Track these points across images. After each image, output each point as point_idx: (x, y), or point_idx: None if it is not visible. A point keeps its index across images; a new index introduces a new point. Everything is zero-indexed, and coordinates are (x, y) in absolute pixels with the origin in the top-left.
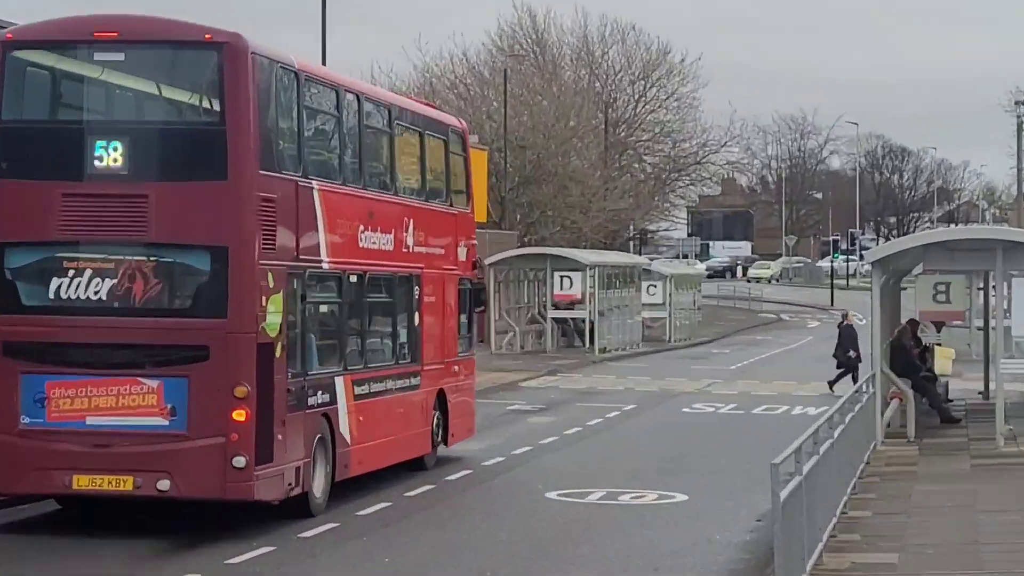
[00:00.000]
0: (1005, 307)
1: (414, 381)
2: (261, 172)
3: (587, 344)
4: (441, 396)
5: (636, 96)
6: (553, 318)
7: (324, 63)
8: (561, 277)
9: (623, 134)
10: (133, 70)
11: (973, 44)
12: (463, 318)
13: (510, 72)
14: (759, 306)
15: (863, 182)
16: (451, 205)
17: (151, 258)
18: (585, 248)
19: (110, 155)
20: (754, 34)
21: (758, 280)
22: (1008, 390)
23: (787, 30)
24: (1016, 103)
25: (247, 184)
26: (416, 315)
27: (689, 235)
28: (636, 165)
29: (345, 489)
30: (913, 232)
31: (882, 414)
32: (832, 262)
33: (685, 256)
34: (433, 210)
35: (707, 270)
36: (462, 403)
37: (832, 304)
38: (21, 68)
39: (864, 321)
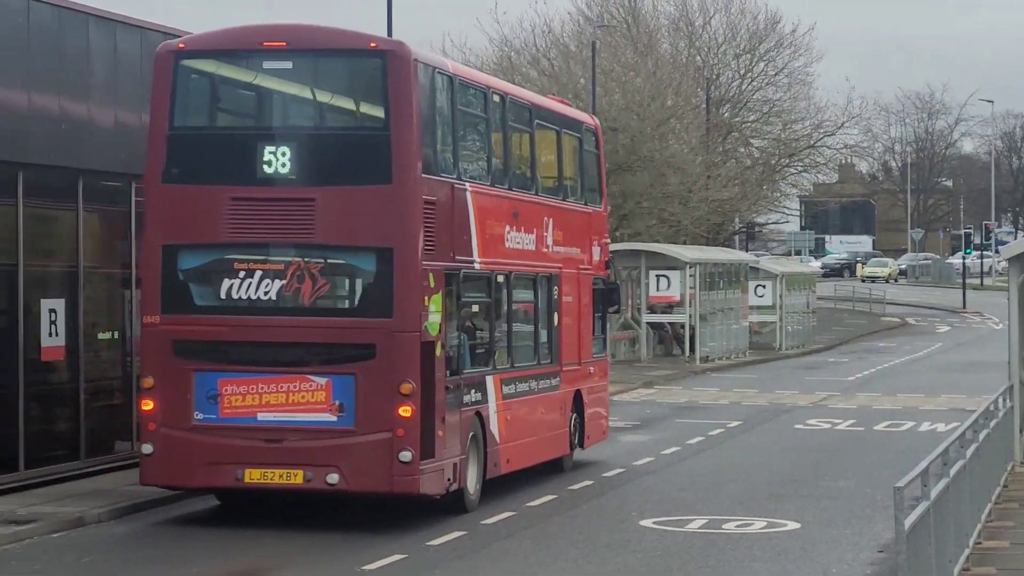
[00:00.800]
0: None
1: (554, 382)
2: (423, 176)
3: (687, 352)
4: (578, 397)
5: (742, 71)
6: (648, 323)
7: (390, 34)
8: (657, 276)
9: (727, 114)
10: (300, 78)
11: None
12: (597, 318)
13: (599, 45)
14: (881, 309)
15: (999, 168)
16: (586, 203)
17: (318, 259)
18: (685, 243)
19: (278, 160)
20: (872, 2)
21: (874, 280)
22: None
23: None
24: None
25: (411, 188)
26: (555, 315)
27: (802, 228)
28: (742, 149)
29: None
30: None
31: (1021, 431)
32: (964, 259)
33: (798, 252)
34: (570, 209)
35: (821, 268)
36: (597, 405)
37: (964, 306)
38: (192, 77)
39: (1001, 326)
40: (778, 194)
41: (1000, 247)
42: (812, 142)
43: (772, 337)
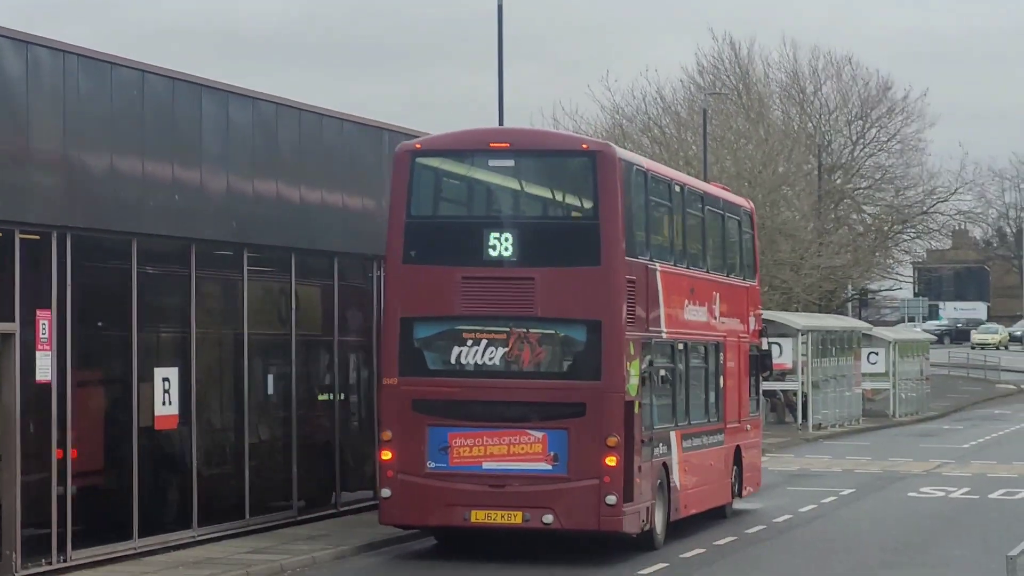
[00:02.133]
0: None
1: (720, 437)
2: (625, 258)
3: (799, 420)
4: (737, 451)
5: (853, 138)
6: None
7: (501, 106)
8: (770, 343)
9: (839, 181)
10: (521, 174)
11: None
12: (752, 381)
13: (710, 112)
14: (996, 376)
15: None
16: (744, 279)
17: (537, 330)
18: (797, 310)
19: (502, 244)
20: (984, 67)
21: (983, 347)
22: None
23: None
24: None
25: (617, 269)
26: (721, 378)
27: (915, 295)
28: (854, 216)
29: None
30: None
31: None
32: None
33: (911, 319)
34: (732, 284)
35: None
36: (752, 459)
37: None
38: (427, 172)
39: None
40: (891, 261)
41: None
42: (925, 208)
43: (885, 404)
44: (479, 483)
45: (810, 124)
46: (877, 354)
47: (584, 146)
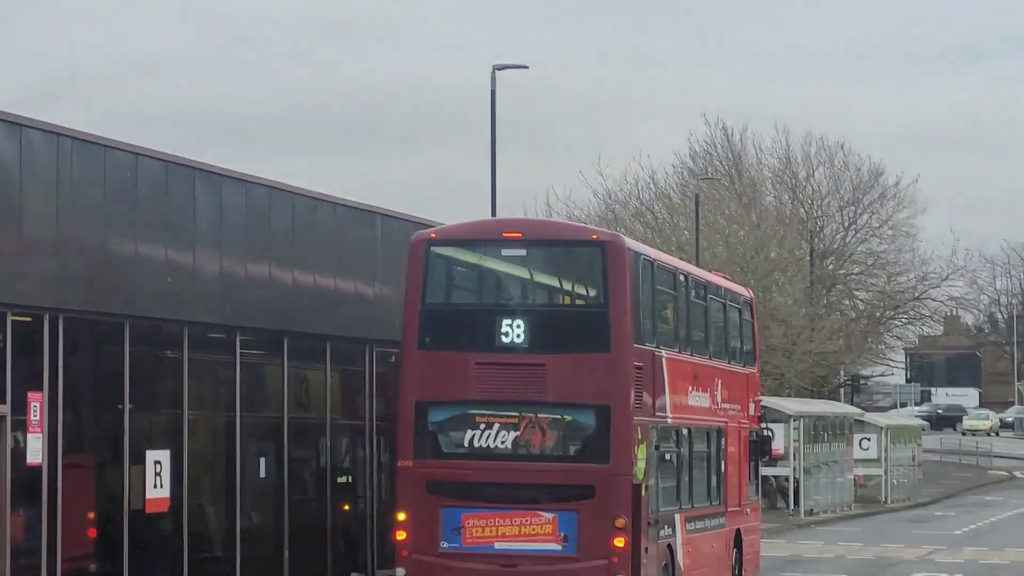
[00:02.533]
0: None
1: (721, 520)
2: (633, 345)
3: (791, 505)
4: (738, 535)
5: (846, 223)
6: None
7: (495, 190)
8: (770, 428)
9: (831, 267)
10: (532, 263)
11: None
12: (752, 466)
13: (703, 197)
14: (988, 462)
15: None
16: (743, 365)
17: (547, 414)
18: (789, 396)
19: (514, 331)
20: (976, 154)
21: (974, 432)
22: None
23: (1016, 150)
24: None
25: (625, 355)
26: (722, 462)
27: (908, 381)
28: (846, 302)
29: None
30: None
31: None
32: None
33: (903, 405)
34: (733, 371)
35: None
36: (752, 542)
37: None
38: (442, 261)
39: None
40: (883, 346)
41: None
42: (917, 294)
43: (877, 490)
44: (491, 562)
45: (802, 209)
46: (869, 439)
47: (594, 236)
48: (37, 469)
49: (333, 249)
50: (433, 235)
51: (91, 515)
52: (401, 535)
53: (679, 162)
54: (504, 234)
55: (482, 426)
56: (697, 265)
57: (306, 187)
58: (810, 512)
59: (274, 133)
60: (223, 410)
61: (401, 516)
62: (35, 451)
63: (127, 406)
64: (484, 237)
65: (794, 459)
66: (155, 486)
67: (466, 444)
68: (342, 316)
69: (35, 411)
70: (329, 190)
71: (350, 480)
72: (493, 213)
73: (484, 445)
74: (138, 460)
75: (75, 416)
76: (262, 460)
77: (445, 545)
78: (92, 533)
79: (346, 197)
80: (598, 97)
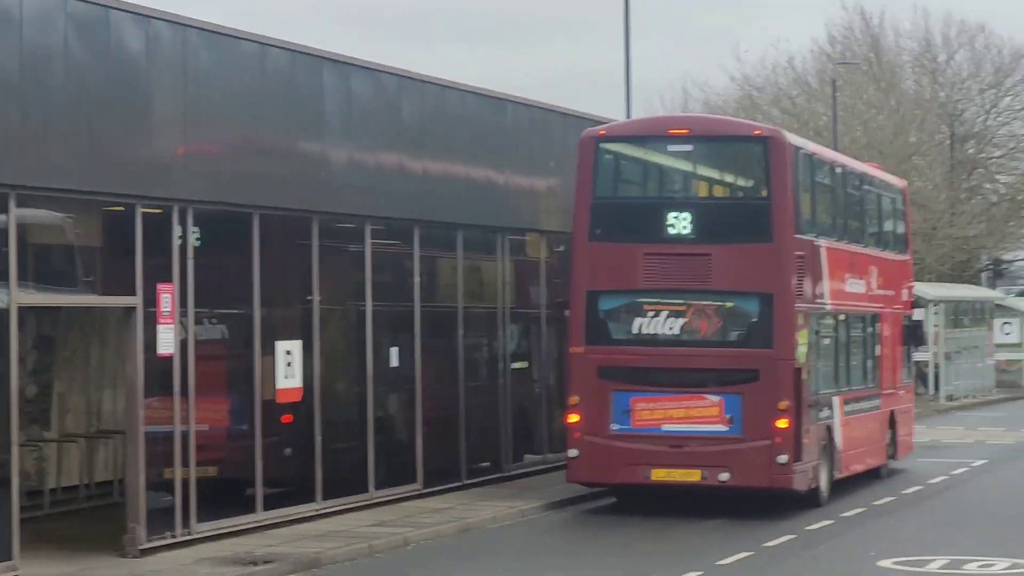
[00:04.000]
0: None
1: (876, 403)
2: (795, 236)
3: (931, 390)
4: (892, 416)
5: (987, 107)
6: None
7: (628, 81)
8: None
9: (972, 150)
10: (698, 158)
11: None
12: (905, 351)
13: (841, 83)
14: None
15: None
16: (897, 253)
17: (713, 302)
18: (929, 281)
19: (681, 223)
20: None
21: None
22: None
23: None
24: None
25: (787, 245)
26: (877, 347)
27: None
28: (988, 185)
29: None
30: None
31: None
32: None
33: None
34: (887, 258)
35: None
36: (906, 423)
37: None
38: (611, 157)
39: None
40: None
41: None
42: None
43: (1019, 375)
44: (660, 443)
45: (942, 93)
46: (1011, 324)
47: (757, 132)
48: (168, 360)
49: (464, 137)
50: (602, 132)
51: (223, 405)
52: (573, 418)
53: (817, 48)
54: (670, 131)
55: (650, 314)
56: (835, 149)
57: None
58: (950, 397)
59: (397, 23)
60: (354, 299)
61: (573, 400)
62: (166, 342)
63: (256, 297)
64: (651, 133)
65: (934, 344)
66: (286, 376)
67: (635, 331)
68: (473, 204)
69: (166, 303)
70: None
71: (526, 365)
72: (628, 104)
73: (652, 332)
74: (268, 351)
75: (205, 307)
76: (393, 350)
77: (615, 427)
78: (224, 423)
79: (475, 84)
80: None
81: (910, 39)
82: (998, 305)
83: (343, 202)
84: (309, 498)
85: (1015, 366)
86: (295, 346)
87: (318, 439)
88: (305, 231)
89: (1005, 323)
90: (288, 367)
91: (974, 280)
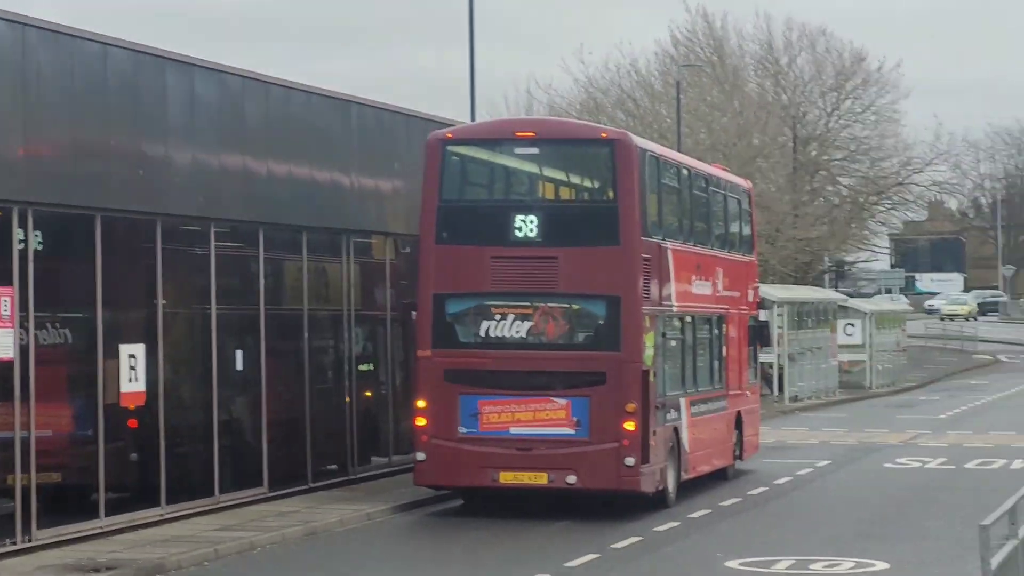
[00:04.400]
0: None
1: (723, 404)
2: (642, 238)
3: (775, 392)
4: (739, 417)
5: (828, 109)
6: None
7: (473, 82)
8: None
9: (814, 153)
10: (544, 161)
11: None
12: (751, 351)
13: (685, 85)
14: (972, 346)
15: None
16: (743, 254)
17: (560, 305)
18: (772, 283)
19: (528, 227)
20: (962, 38)
21: (952, 318)
22: None
23: (1000, 34)
24: None
25: (634, 248)
26: (724, 348)
27: (892, 266)
28: (830, 188)
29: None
30: None
31: None
32: None
33: (888, 291)
34: (733, 260)
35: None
36: (752, 423)
37: None
38: (457, 160)
39: None
40: (867, 232)
41: None
42: (900, 179)
43: (862, 376)
44: (507, 447)
45: (784, 96)
46: (854, 326)
47: (604, 135)
48: (8, 364)
49: (308, 139)
50: (449, 135)
51: (64, 410)
52: (421, 421)
53: (660, 50)
54: (517, 133)
55: (497, 317)
56: (680, 152)
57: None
58: (794, 398)
59: (242, 26)
60: (199, 302)
61: (421, 403)
62: (5, 346)
63: (100, 299)
64: (498, 136)
65: (778, 346)
66: (130, 380)
67: (482, 334)
68: (318, 206)
69: (5, 306)
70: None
71: (372, 366)
72: (472, 105)
73: (499, 335)
74: (112, 354)
75: (47, 310)
76: (238, 352)
77: (463, 430)
78: (66, 428)
79: (320, 86)
80: None
81: (753, 42)
82: (841, 306)
83: (187, 204)
84: (154, 503)
85: (858, 367)
86: (139, 350)
87: (162, 443)
88: (149, 233)
89: (848, 324)
90: (132, 371)
91: (817, 281)
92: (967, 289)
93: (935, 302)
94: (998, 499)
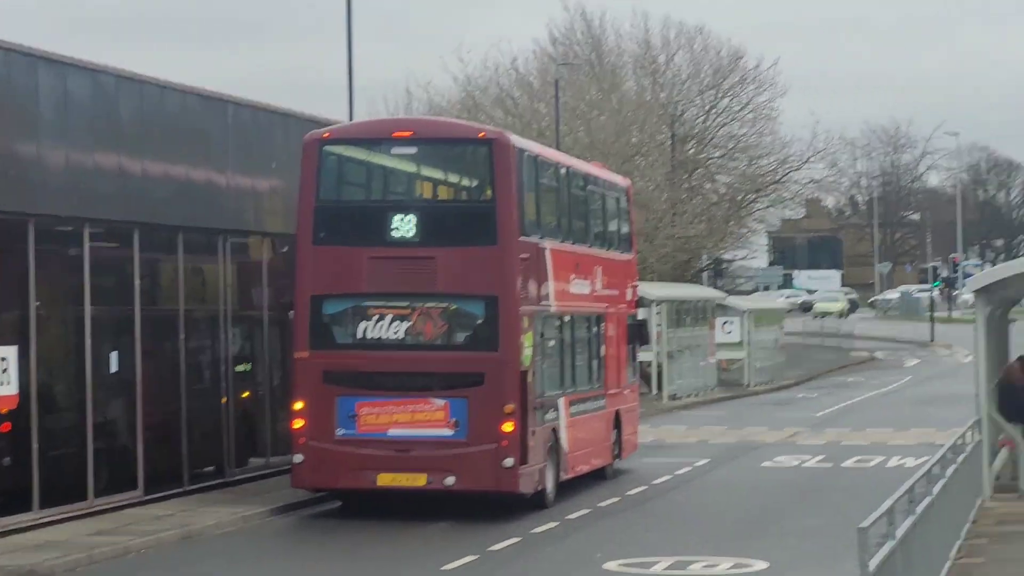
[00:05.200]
0: None
1: (602, 403)
2: (519, 238)
3: (654, 390)
4: (617, 416)
5: (706, 107)
6: None
7: (351, 81)
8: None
9: (692, 151)
10: (422, 160)
11: None
12: (630, 350)
13: (564, 83)
14: (850, 343)
15: (966, 200)
16: (622, 252)
17: (438, 305)
18: (651, 280)
19: (405, 226)
20: (838, 37)
21: (824, 315)
22: None
23: (877, 31)
24: None
25: (512, 248)
26: (602, 347)
27: (770, 264)
28: (708, 186)
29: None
30: None
31: (990, 465)
32: (931, 293)
33: (766, 288)
34: (612, 258)
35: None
36: (631, 423)
37: (932, 339)
38: (334, 159)
39: (969, 358)
40: (745, 230)
41: (967, 280)
42: (778, 177)
43: (740, 374)
44: (386, 448)
45: (663, 94)
46: (732, 323)
47: (481, 134)
48: None
49: (184, 138)
50: (326, 135)
51: None
52: (298, 423)
53: (539, 49)
54: (394, 133)
55: (375, 318)
56: (559, 150)
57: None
58: (673, 396)
59: (119, 24)
60: (73, 303)
61: (298, 405)
62: None
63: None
64: (375, 136)
65: (657, 344)
66: (0, 383)
67: (360, 335)
68: (194, 206)
69: None
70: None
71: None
72: (350, 105)
73: (377, 336)
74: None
75: None
76: (114, 355)
77: (341, 432)
78: None
79: (195, 85)
80: None
81: (631, 40)
82: (719, 305)
83: (60, 204)
84: (26, 508)
85: (736, 365)
86: (10, 352)
87: (35, 447)
88: (21, 234)
89: (726, 322)
90: (4, 373)
91: (695, 279)
92: (844, 286)
93: (801, 299)
94: (876, 497)
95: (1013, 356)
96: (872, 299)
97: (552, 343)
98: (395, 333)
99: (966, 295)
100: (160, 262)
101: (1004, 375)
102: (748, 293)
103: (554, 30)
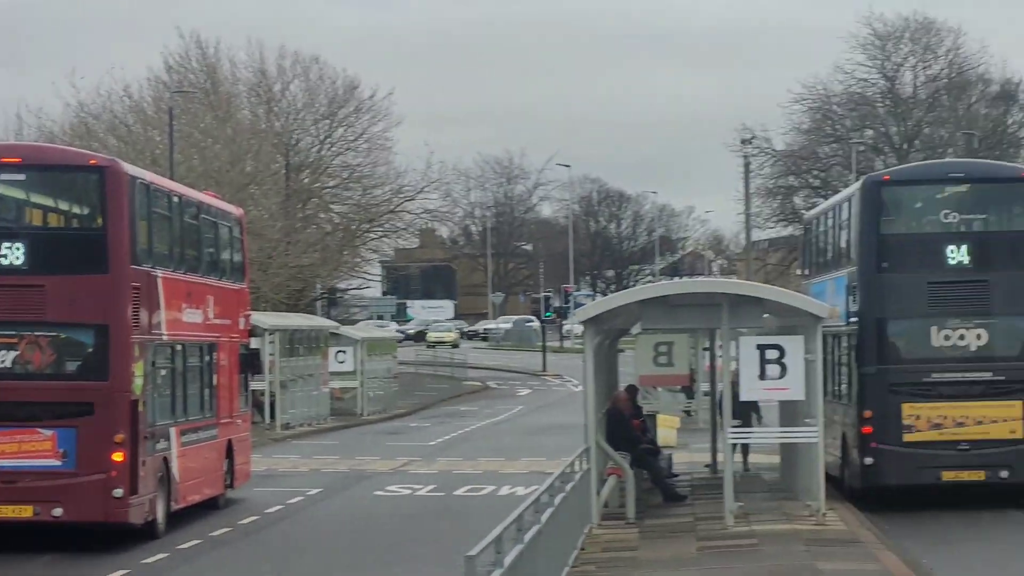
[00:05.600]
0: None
1: (214, 432)
2: (131, 267)
3: (267, 419)
4: (230, 446)
5: (321, 137)
6: None
7: None
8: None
9: (307, 180)
10: (32, 187)
11: (691, 85)
12: (242, 379)
13: (179, 111)
14: (463, 373)
15: (577, 231)
16: (234, 282)
17: (47, 334)
18: (265, 310)
19: (13, 254)
20: (451, 71)
21: (436, 345)
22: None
23: (491, 66)
24: (742, 141)
25: (122, 276)
26: (215, 376)
27: (384, 293)
28: (322, 215)
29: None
30: (635, 286)
31: (598, 493)
32: (542, 322)
33: (380, 317)
34: (225, 287)
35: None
36: (243, 452)
37: (544, 369)
38: None
39: (580, 388)
40: (359, 260)
41: (576, 310)
42: (392, 207)
43: (353, 403)
44: None
45: (278, 123)
46: (345, 353)
47: (93, 161)
48: None
49: None
50: None
51: None
52: None
53: (153, 76)
54: (2, 159)
55: None
56: (172, 178)
57: None
58: (286, 426)
59: None
60: None
61: None
62: None
63: None
64: None
65: (270, 373)
66: None
67: None
68: None
69: None
70: None
71: None
72: None
73: None
74: None
75: None
76: None
77: None
78: None
79: None
80: (73, 11)
81: (246, 69)
82: (333, 333)
83: None
84: None
85: (349, 394)
86: None
87: None
88: None
89: (339, 351)
90: None
91: (309, 309)
92: (457, 316)
93: (402, 328)
94: (486, 525)
95: (622, 385)
96: (484, 329)
97: (164, 372)
98: (2, 362)
99: (575, 325)
100: None
101: (612, 404)
102: (354, 323)
103: (169, 58)
